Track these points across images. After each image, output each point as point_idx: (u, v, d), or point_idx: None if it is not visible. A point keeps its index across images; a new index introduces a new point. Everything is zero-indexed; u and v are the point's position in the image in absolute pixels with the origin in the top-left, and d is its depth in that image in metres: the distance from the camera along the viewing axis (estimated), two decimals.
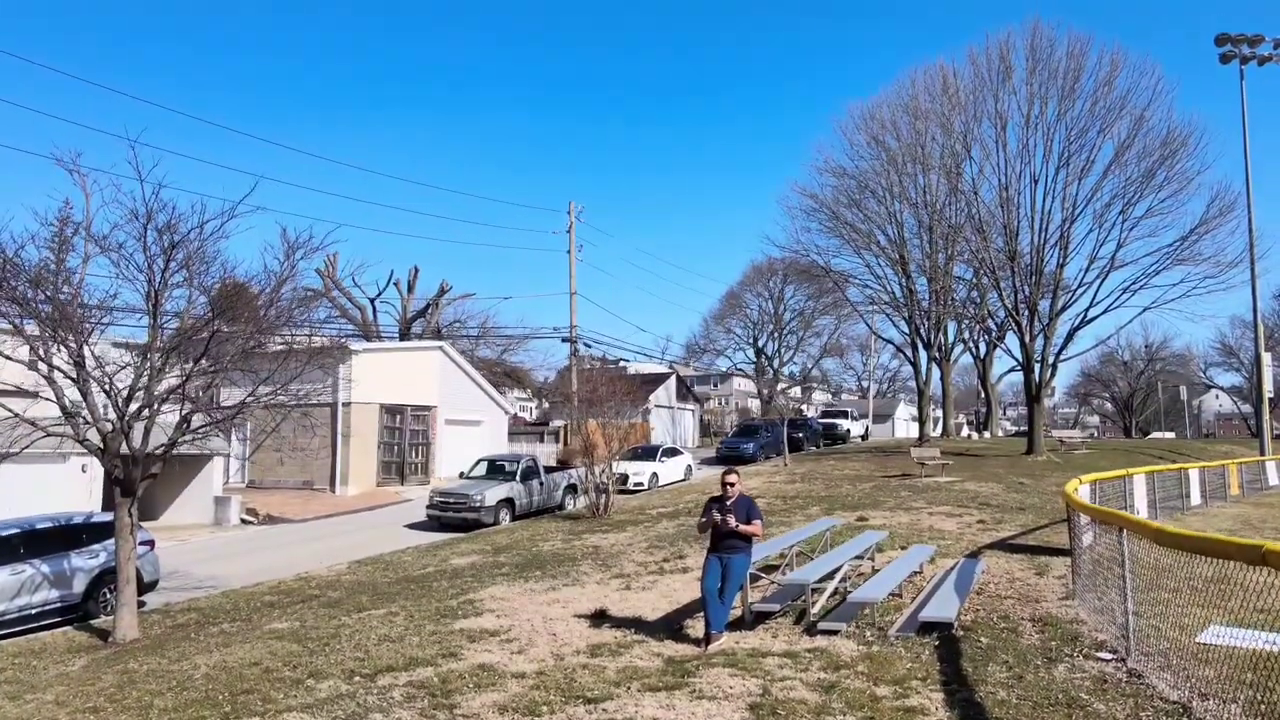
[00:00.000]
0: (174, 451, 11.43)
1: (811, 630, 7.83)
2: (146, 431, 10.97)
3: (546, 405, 50.85)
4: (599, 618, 8.92)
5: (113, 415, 10.80)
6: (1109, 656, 6.62)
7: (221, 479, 23.39)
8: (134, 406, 10.84)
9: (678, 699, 5.97)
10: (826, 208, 35.47)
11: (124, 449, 10.96)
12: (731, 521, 7.83)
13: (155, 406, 10.91)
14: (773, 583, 9.58)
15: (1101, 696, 5.69)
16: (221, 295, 11.98)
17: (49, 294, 10.73)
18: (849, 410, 46.69)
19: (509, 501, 20.10)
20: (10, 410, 10.54)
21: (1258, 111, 50.10)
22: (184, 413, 11.36)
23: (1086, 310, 30.00)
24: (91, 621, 12.09)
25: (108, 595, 12.35)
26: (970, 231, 31.23)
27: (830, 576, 8.87)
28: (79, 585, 12.44)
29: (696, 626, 8.15)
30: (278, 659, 8.12)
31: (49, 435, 10.86)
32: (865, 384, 67.99)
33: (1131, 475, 16.01)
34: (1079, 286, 30.02)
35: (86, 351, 10.42)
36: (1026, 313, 29.98)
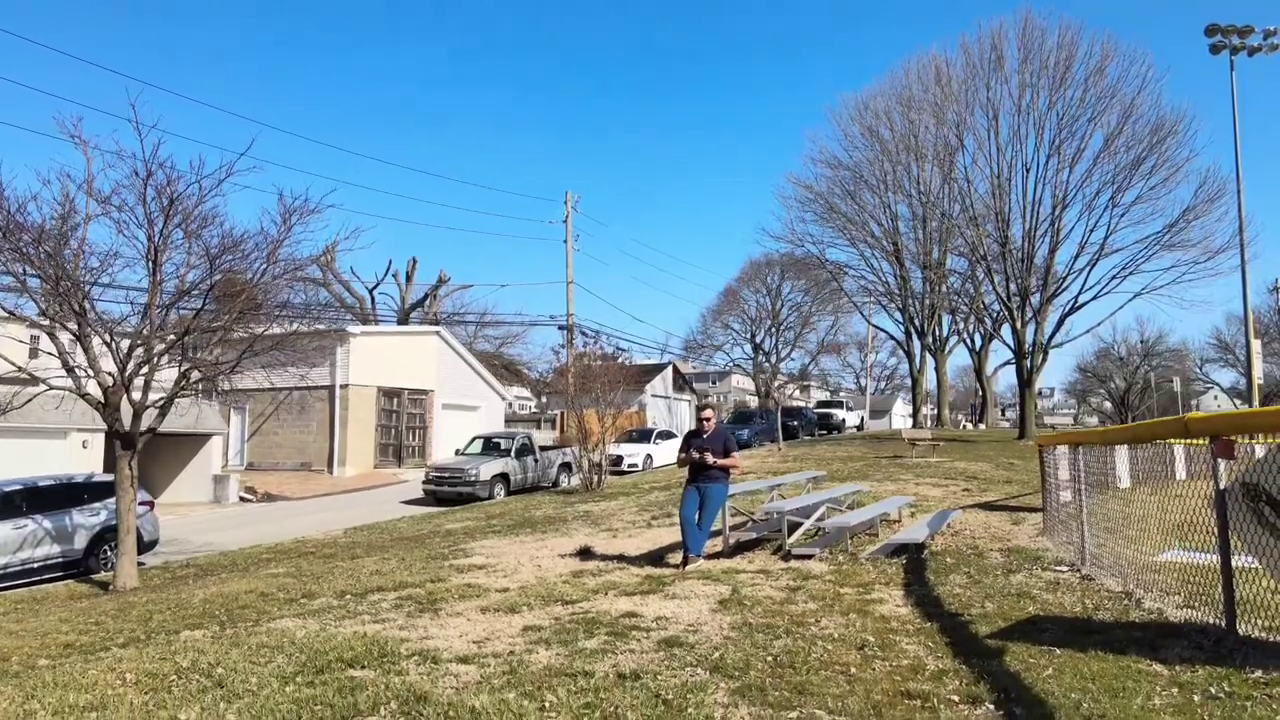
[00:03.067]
0: (173, 406, 11.72)
1: (787, 557, 8.12)
2: (146, 385, 11.27)
3: (545, 399, 51.10)
4: (584, 554, 9.24)
5: (113, 368, 11.11)
6: (1065, 569, 6.92)
7: (220, 458, 23.69)
8: (134, 362, 11.15)
9: (650, 600, 6.27)
10: (821, 198, 35.81)
11: (124, 405, 11.26)
12: (710, 458, 8.12)
13: (155, 361, 11.22)
14: (752, 520, 9.88)
15: (1053, 592, 5.99)
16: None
17: (50, 250, 11.03)
18: (845, 401, 46.91)
19: (504, 476, 20.40)
20: (11, 362, 10.84)
21: (1248, 99, 50.22)
22: (183, 369, 11.67)
23: (1077, 297, 30.30)
24: (92, 576, 12.39)
25: (108, 553, 12.64)
26: (964, 223, 31.54)
27: (808, 514, 9.15)
28: (80, 541, 12.74)
29: (678, 557, 8.44)
30: (273, 587, 8.43)
31: (52, 389, 11.16)
32: (862, 383, 68.17)
33: (1114, 445, 16.33)
34: (1069, 274, 30.32)
35: (88, 305, 10.72)
36: (1018, 299, 30.27)
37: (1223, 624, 4.34)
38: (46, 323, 10.94)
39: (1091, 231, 29.63)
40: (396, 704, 3.62)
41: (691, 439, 8.36)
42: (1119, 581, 6.11)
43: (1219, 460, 4.24)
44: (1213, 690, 3.41)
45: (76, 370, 10.95)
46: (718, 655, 4.32)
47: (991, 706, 3.36)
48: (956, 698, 3.49)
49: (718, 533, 9.06)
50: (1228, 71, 28.82)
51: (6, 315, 10.98)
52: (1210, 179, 28.45)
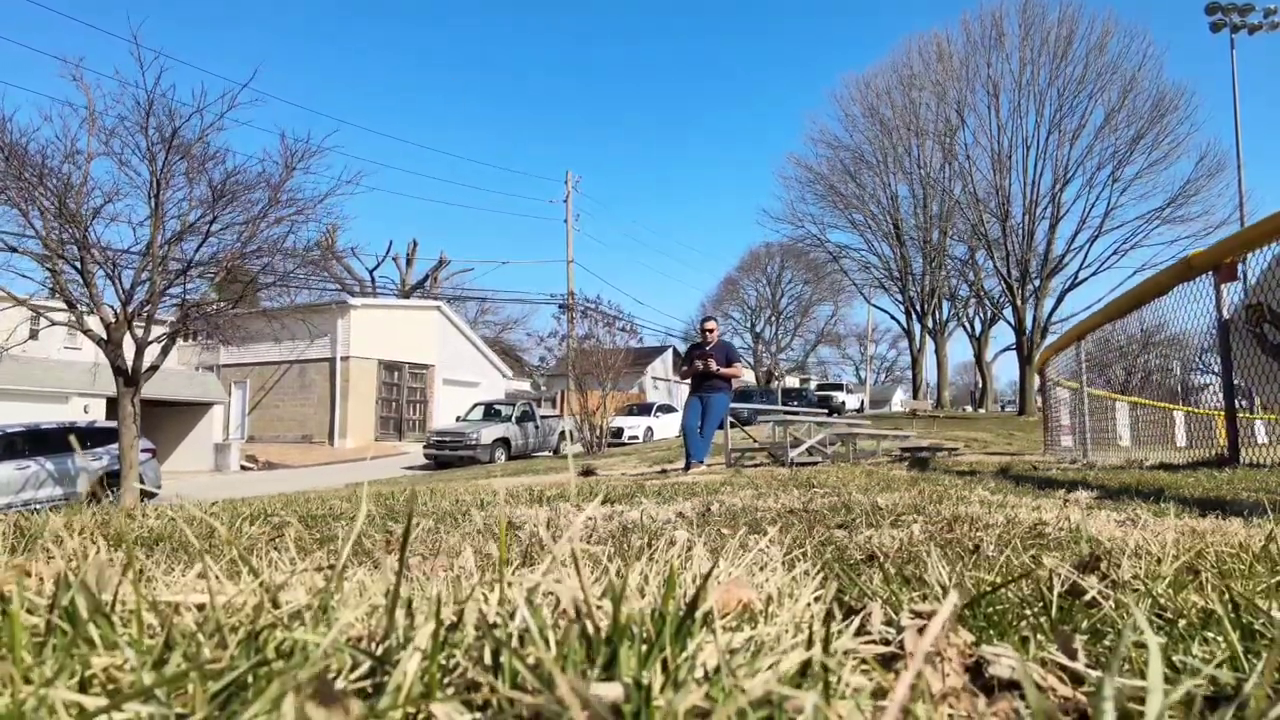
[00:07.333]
0: (175, 344, 11.73)
1: (790, 466, 8.13)
2: (149, 321, 11.29)
3: (544, 388, 51.08)
4: (586, 473, 9.27)
5: (116, 305, 11.13)
6: (1066, 464, 6.93)
7: (222, 428, 23.71)
8: (138, 297, 11.18)
9: (652, 480, 6.29)
10: (822, 179, 35.86)
11: (126, 342, 11.27)
12: (713, 365, 8.13)
13: (157, 297, 11.24)
14: (755, 442, 9.92)
15: (1055, 470, 6.00)
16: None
17: (53, 187, 11.05)
18: (845, 384, 46.85)
19: (505, 441, 20.42)
20: (12, 296, 10.84)
21: (1248, 76, 49.80)
22: (185, 308, 11.70)
23: (1076, 273, 30.38)
24: None
25: (111, 497, 12.65)
26: (966, 201, 31.56)
27: (810, 434, 9.17)
28: (82, 485, 12.76)
29: (679, 472, 8.46)
30: (275, 505, 8.45)
31: (54, 325, 11.18)
32: (862, 374, 68.06)
33: (1115, 400, 16.40)
34: (1069, 250, 30.39)
35: (90, 236, 10.74)
36: (1018, 275, 30.31)
37: (1226, 454, 4.35)
38: (49, 257, 10.96)
39: (1092, 207, 29.75)
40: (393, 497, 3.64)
41: (694, 350, 8.38)
42: (1122, 461, 6.14)
43: (1221, 289, 4.26)
44: (1214, 473, 3.43)
45: (79, 305, 10.96)
46: (719, 481, 4.34)
47: (991, 485, 3.38)
48: (957, 483, 3.51)
49: (720, 462, 9.09)
50: (1228, 50, 28.93)
51: (8, 249, 10.98)
52: (1211, 153, 28.54)
